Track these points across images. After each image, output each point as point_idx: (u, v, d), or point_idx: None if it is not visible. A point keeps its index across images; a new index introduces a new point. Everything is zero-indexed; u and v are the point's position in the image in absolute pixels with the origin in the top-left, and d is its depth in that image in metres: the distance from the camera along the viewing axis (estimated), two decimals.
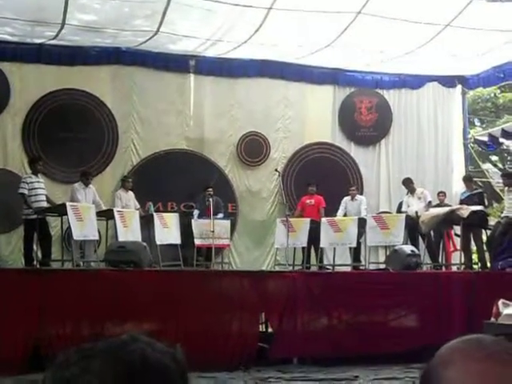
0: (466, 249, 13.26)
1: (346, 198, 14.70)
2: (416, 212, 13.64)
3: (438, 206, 14.26)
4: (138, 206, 13.75)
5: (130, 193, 13.89)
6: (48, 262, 12.08)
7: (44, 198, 12.40)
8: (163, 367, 1.17)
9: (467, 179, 14.68)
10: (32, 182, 12.29)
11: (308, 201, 14.82)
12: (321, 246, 13.38)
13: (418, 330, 11.01)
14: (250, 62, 15.75)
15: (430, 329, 10.64)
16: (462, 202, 13.80)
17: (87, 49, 14.72)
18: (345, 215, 14.44)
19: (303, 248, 13.58)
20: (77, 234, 11.46)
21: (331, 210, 14.57)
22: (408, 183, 14.69)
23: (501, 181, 15.82)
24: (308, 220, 13.65)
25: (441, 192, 15.00)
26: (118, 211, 12.36)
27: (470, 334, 1.23)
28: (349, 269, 13.35)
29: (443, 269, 13.71)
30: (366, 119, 16.90)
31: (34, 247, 12.34)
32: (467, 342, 1.20)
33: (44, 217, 12.27)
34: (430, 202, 14.22)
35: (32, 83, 14.65)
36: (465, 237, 13.18)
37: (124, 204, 13.52)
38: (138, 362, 1.14)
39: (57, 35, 13.48)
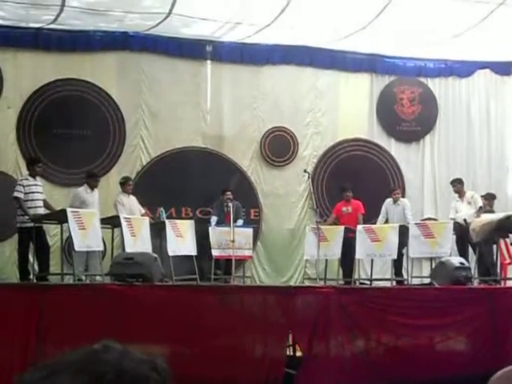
0: None
1: (388, 202, 14.66)
2: (464, 219, 13.56)
3: (487, 211, 14.16)
4: (143, 211, 13.75)
5: (132, 197, 13.84)
6: (46, 277, 12.09)
7: (41, 203, 12.44)
8: (141, 378, 1.17)
9: None
10: (29, 185, 12.32)
11: (344, 208, 14.77)
12: (356, 257, 13.32)
13: (467, 355, 10.92)
14: (274, 48, 15.78)
15: (481, 354, 10.56)
16: None
17: (90, 34, 14.82)
18: (386, 221, 14.41)
19: (339, 260, 13.54)
20: (79, 245, 11.45)
21: (369, 216, 14.55)
22: (457, 184, 14.59)
23: None
24: (342, 228, 13.61)
25: (488, 194, 14.88)
26: (126, 218, 12.33)
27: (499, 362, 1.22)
28: (389, 284, 13.28)
29: (497, 284, 13.61)
30: (408, 112, 16.86)
31: (30, 259, 12.39)
32: None
33: (41, 224, 12.31)
34: (481, 208, 14.12)
35: (28, 72, 14.75)
36: None
37: (128, 210, 13.49)
38: (111, 374, 1.14)
39: (55, 19, 13.56)
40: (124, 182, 13.95)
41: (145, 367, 1.19)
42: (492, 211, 14.06)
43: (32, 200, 12.24)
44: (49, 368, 1.17)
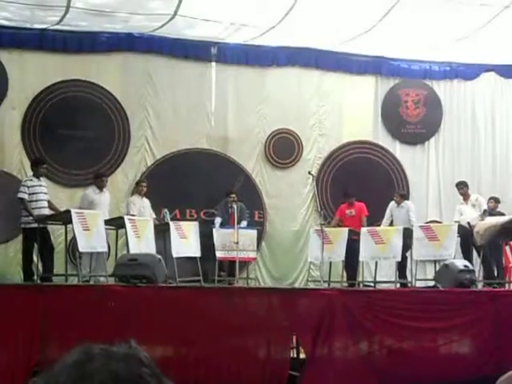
0: None
1: (392, 204, 14.67)
2: (468, 222, 13.55)
3: (495, 214, 14.16)
4: (154, 216, 13.78)
5: (145, 200, 13.92)
6: (50, 277, 12.11)
7: (46, 204, 12.46)
8: (135, 377, 1.17)
9: None
10: (33, 186, 12.35)
11: (348, 211, 14.77)
12: (360, 259, 13.33)
13: (472, 357, 10.91)
14: (279, 50, 15.79)
15: (486, 357, 10.54)
16: None
17: (95, 35, 14.84)
18: (391, 224, 14.41)
19: (343, 262, 13.54)
20: (83, 245, 11.44)
21: (373, 219, 14.56)
22: (462, 187, 14.59)
23: None
24: (346, 230, 13.61)
25: (492, 198, 14.89)
26: (130, 219, 12.35)
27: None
28: (393, 286, 13.27)
29: (501, 287, 13.59)
30: (413, 114, 16.86)
31: (35, 259, 12.41)
32: None
33: (46, 225, 12.32)
34: (485, 211, 14.11)
35: (33, 73, 14.78)
36: None
37: (138, 211, 13.54)
38: (109, 381, 1.14)
39: (61, 20, 13.58)
40: (137, 183, 14.23)
41: (135, 364, 1.19)
42: (501, 213, 14.05)
43: (36, 201, 12.26)
44: None
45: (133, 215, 13.10)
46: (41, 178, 12.65)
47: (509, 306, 11.17)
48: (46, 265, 12.30)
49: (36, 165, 12.82)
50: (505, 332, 10.84)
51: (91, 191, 13.27)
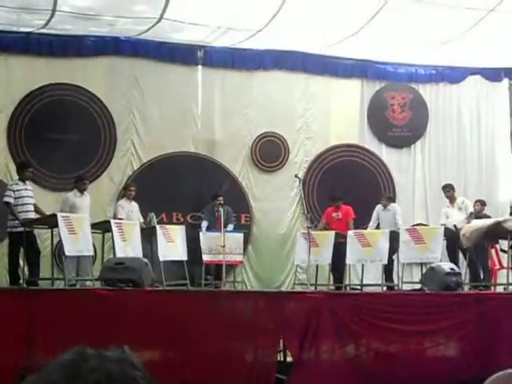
0: None
1: (379, 207, 14.71)
2: (455, 225, 13.60)
3: (481, 217, 14.20)
4: (142, 220, 13.78)
5: (134, 203, 13.90)
6: (36, 282, 12.08)
7: (32, 207, 12.44)
8: (129, 378, 1.17)
9: None
10: (19, 190, 12.32)
11: (334, 214, 14.79)
12: (347, 262, 13.33)
13: (458, 360, 10.93)
14: (266, 53, 15.80)
15: (472, 359, 10.57)
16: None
17: (81, 38, 14.82)
18: (377, 227, 14.44)
19: (329, 265, 13.55)
20: (69, 249, 11.41)
21: (360, 222, 14.59)
22: (449, 190, 14.62)
23: None
24: (333, 233, 13.62)
25: (478, 201, 14.96)
26: (116, 223, 12.33)
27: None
28: (379, 289, 13.30)
29: (487, 289, 13.63)
30: (399, 118, 16.90)
31: (21, 263, 12.38)
32: None
33: (32, 229, 12.29)
34: (471, 214, 14.17)
35: (18, 77, 14.74)
36: None
37: (126, 215, 13.52)
38: (103, 381, 1.15)
39: (46, 23, 13.55)
40: (125, 187, 14.20)
41: (127, 367, 1.19)
42: (487, 216, 14.09)
43: (22, 204, 12.24)
44: None
45: (121, 219, 13.08)
46: (26, 182, 12.62)
47: (495, 309, 11.21)
48: (32, 269, 12.28)
49: (22, 169, 12.79)
50: (491, 334, 10.88)
51: (72, 195, 13.21)
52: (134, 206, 13.87)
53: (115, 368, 1.17)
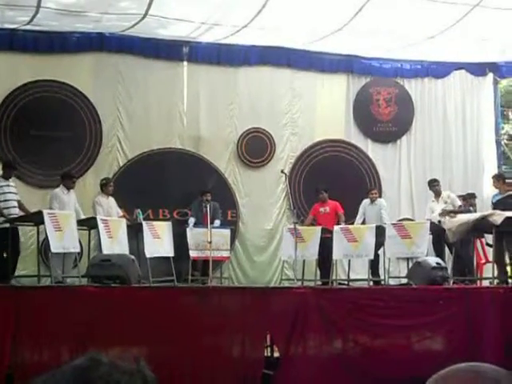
0: (499, 260, 13.16)
1: (365, 202, 14.73)
2: (439, 220, 13.62)
3: (465, 211, 14.21)
4: (121, 214, 13.73)
5: (111, 199, 13.83)
6: (15, 277, 12.01)
7: (16, 204, 12.40)
8: None
9: (497, 179, 14.05)
10: (1, 186, 12.29)
11: (322, 209, 14.82)
12: (333, 257, 13.32)
13: (444, 354, 10.93)
14: (251, 49, 15.80)
15: (458, 353, 10.57)
16: (494, 207, 13.67)
17: (66, 35, 14.77)
18: (364, 222, 14.45)
19: (316, 260, 13.55)
20: (55, 246, 11.38)
21: (346, 217, 14.62)
22: (436, 185, 14.62)
23: None
24: (319, 228, 13.63)
25: (467, 194, 14.99)
26: (103, 220, 12.29)
27: (475, 362, 1.22)
28: (366, 284, 13.32)
29: (473, 283, 13.67)
30: (385, 113, 16.92)
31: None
32: (463, 372, 1.19)
33: (16, 227, 12.23)
34: (460, 207, 14.15)
35: (3, 74, 14.67)
36: (498, 247, 13.07)
37: (106, 211, 13.45)
38: None
39: (31, 20, 13.49)
40: (105, 184, 13.94)
41: (137, 379, 1.19)
42: (470, 211, 14.10)
43: (5, 201, 12.22)
44: None
45: (105, 218, 13.01)
46: (9, 179, 12.58)
47: (481, 303, 11.24)
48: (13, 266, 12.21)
49: (8, 168, 12.76)
50: (477, 328, 10.91)
51: (59, 191, 13.16)
52: (112, 202, 13.79)
53: (124, 379, 1.17)
